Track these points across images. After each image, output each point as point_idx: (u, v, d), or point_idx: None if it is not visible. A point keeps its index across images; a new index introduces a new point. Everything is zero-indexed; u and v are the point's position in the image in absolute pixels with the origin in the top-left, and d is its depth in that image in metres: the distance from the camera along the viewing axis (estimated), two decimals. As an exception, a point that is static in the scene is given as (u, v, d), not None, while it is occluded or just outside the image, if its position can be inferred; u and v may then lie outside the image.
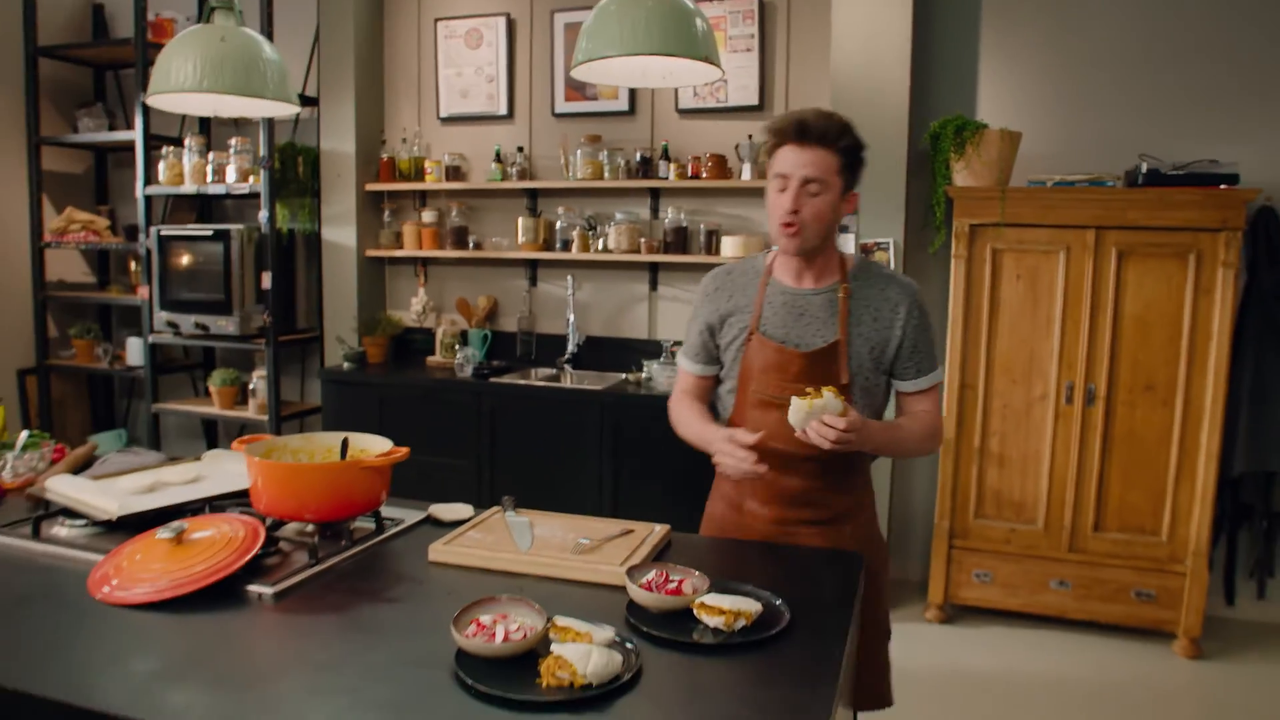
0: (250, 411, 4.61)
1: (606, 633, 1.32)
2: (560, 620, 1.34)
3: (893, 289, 1.95)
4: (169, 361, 5.10)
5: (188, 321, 4.54)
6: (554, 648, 1.24)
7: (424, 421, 4.13)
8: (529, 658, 1.27)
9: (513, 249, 4.45)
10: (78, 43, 5.00)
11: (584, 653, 1.22)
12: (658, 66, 2.03)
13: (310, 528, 1.80)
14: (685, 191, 4.21)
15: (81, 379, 5.32)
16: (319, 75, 4.63)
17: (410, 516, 1.96)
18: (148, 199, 4.66)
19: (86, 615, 1.43)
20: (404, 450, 1.83)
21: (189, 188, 4.59)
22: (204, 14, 2.18)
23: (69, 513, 1.86)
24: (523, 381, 4.11)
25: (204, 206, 5.10)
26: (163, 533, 1.59)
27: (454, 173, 4.53)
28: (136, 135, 4.61)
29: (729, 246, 3.96)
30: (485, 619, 1.33)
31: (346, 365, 4.45)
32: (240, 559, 1.54)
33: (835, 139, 1.83)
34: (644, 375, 4.06)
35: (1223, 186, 3.30)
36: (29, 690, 1.18)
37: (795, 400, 1.73)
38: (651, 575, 1.52)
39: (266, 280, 4.45)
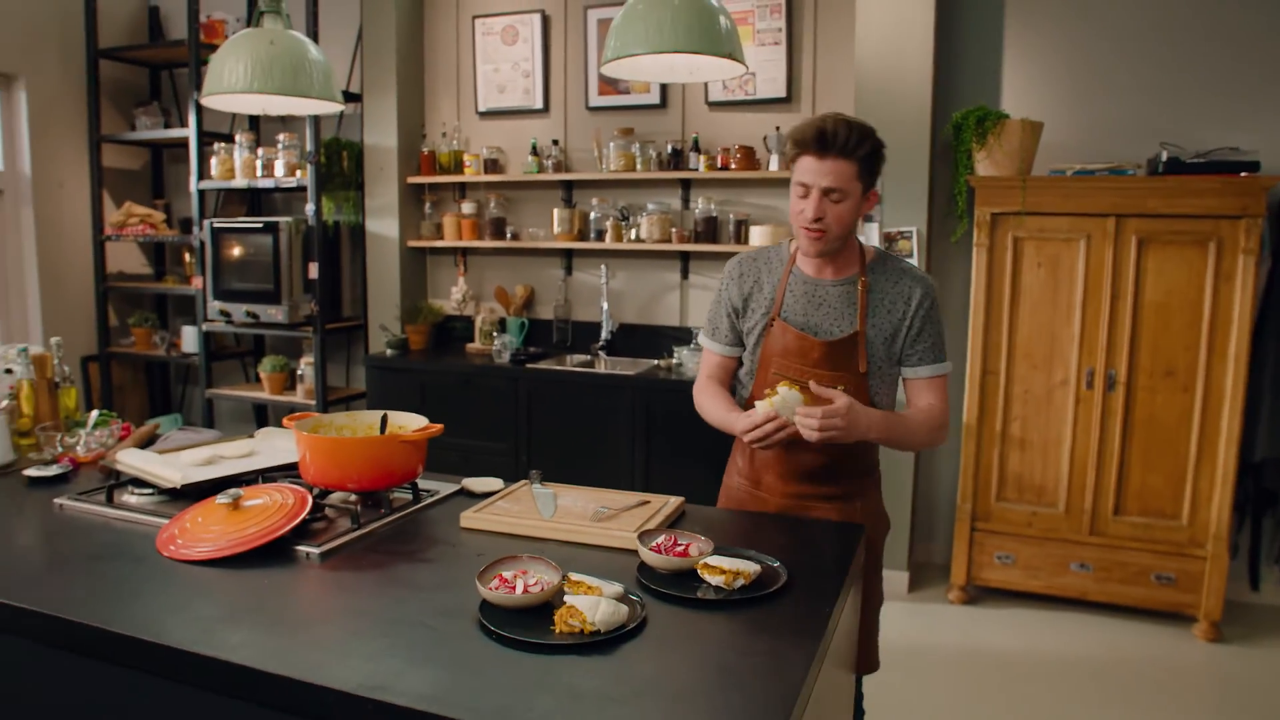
0: (298, 396, 4.79)
1: (615, 588, 1.46)
2: (574, 576, 1.48)
3: (907, 281, 2.04)
4: (221, 349, 5.31)
5: (239, 310, 4.73)
6: (566, 598, 1.38)
7: (463, 405, 4.29)
8: (545, 608, 1.40)
9: (549, 239, 4.59)
10: (135, 44, 5.21)
11: (593, 603, 1.35)
12: (684, 63, 2.12)
13: (353, 497, 1.96)
14: (715, 182, 4.31)
15: (140, 366, 5.56)
16: (362, 72, 4.79)
17: (445, 489, 2.11)
18: (201, 193, 4.87)
19: (156, 570, 1.60)
20: (438, 426, 1.97)
21: (240, 182, 4.78)
22: (253, 17, 2.34)
23: (138, 482, 2.04)
24: (558, 367, 4.25)
25: (254, 200, 5.29)
26: (221, 499, 1.76)
27: (492, 165, 4.68)
28: (190, 133, 4.81)
29: (757, 236, 4.06)
30: (507, 574, 1.47)
31: (389, 352, 4.61)
32: (289, 523, 1.70)
33: (855, 149, 1.88)
34: (675, 361, 4.19)
35: (1243, 174, 3.33)
36: (111, 629, 1.35)
37: (759, 403, 1.89)
38: (661, 539, 1.65)
39: (313, 270, 4.63)
